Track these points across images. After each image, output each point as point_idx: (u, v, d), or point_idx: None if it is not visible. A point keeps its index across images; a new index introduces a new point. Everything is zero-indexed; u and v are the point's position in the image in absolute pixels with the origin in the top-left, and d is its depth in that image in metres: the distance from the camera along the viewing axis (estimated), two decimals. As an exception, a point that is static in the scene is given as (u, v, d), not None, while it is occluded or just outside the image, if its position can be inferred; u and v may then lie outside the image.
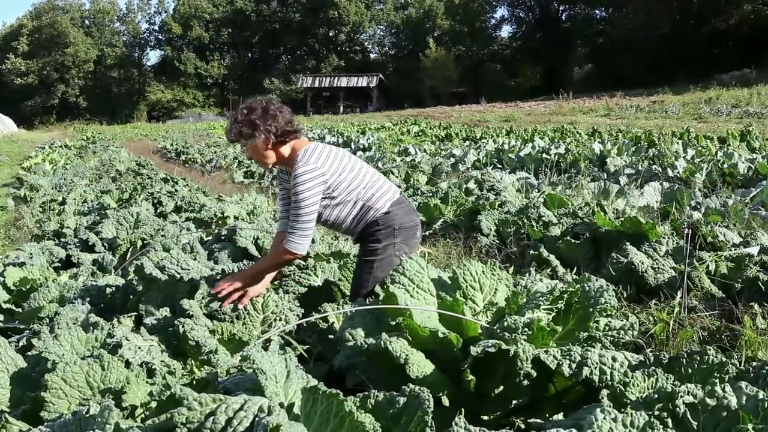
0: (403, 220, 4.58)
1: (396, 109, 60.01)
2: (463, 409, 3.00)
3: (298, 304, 4.34)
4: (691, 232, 5.53)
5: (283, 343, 3.80)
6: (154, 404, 2.80)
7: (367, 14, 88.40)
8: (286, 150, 4.49)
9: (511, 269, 6.12)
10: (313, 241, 7.08)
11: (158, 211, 9.79)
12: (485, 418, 3.33)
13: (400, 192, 4.81)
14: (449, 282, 3.78)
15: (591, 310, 3.42)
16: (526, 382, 3.14)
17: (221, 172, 19.21)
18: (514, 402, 3.31)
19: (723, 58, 52.89)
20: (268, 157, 4.50)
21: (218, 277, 4.58)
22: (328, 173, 4.40)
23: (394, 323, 3.48)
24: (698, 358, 2.91)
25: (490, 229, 7.93)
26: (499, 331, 3.27)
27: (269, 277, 4.55)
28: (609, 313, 3.51)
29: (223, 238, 7.22)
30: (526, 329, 3.21)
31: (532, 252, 6.83)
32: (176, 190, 12.67)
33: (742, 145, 17.88)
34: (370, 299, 4.14)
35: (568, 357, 3.07)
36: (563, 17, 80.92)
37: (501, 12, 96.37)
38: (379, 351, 3.21)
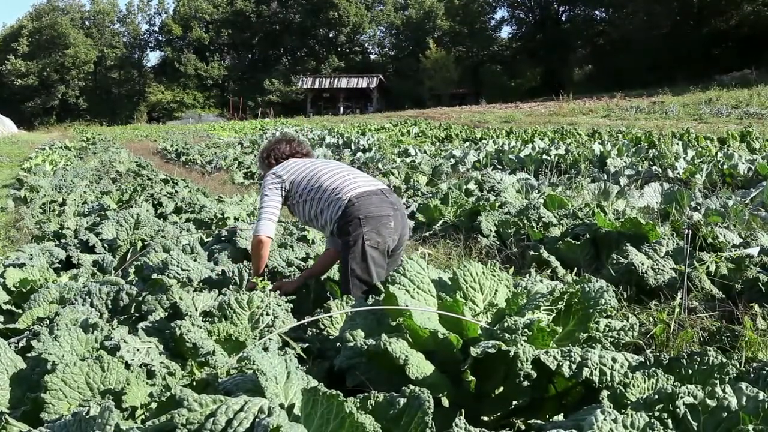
0: (370, 210, 4.79)
1: (396, 110, 59.98)
2: (463, 410, 3.00)
3: (288, 301, 4.34)
4: (691, 232, 5.53)
5: (281, 343, 3.80)
6: (154, 405, 2.80)
7: (367, 15, 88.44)
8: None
9: (512, 270, 6.10)
10: (313, 242, 7.13)
11: (158, 212, 9.79)
12: (485, 418, 3.33)
13: (383, 188, 5.01)
14: (449, 283, 3.78)
15: (591, 311, 3.42)
16: (526, 383, 3.14)
17: (221, 173, 19.21)
18: (514, 403, 3.31)
19: (723, 59, 52.90)
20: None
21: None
22: (284, 176, 5.10)
23: (394, 324, 3.48)
24: (698, 359, 2.91)
25: (491, 230, 7.93)
26: (499, 331, 3.27)
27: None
28: (609, 313, 3.51)
29: (223, 239, 7.23)
30: (526, 330, 3.21)
31: (532, 253, 6.83)
32: (176, 191, 12.67)
33: (742, 145, 17.86)
34: (373, 296, 4.17)
35: (568, 358, 3.07)
36: (563, 18, 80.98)
37: (501, 13, 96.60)
38: (379, 352, 3.20)
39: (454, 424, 2.52)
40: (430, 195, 11.18)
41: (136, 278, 5.46)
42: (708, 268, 5.68)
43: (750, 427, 2.35)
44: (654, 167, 14.07)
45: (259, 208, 5.08)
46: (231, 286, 4.83)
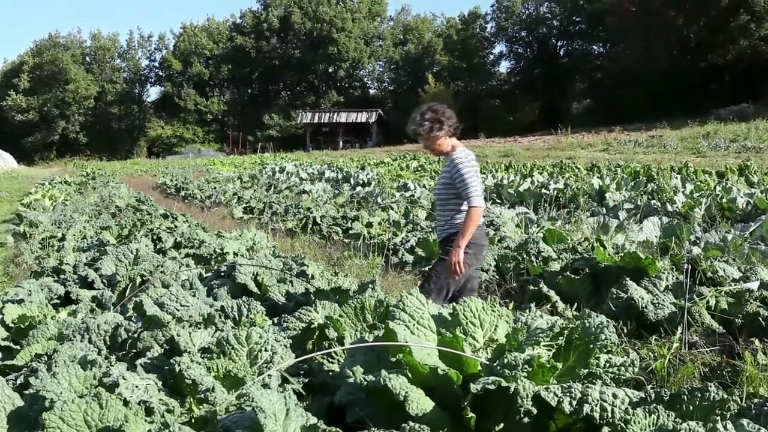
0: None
1: (395, 144, 60.00)
2: (463, 447, 2.98)
3: (290, 338, 4.33)
4: (690, 267, 5.53)
5: (281, 379, 3.78)
6: (152, 443, 2.78)
7: (367, 50, 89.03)
8: (450, 143, 6.10)
9: (511, 305, 6.12)
10: (312, 277, 7.11)
11: (158, 247, 9.78)
12: (486, 455, 3.30)
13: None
14: (449, 318, 3.77)
15: (591, 346, 3.41)
16: (526, 420, 3.12)
17: (221, 208, 19.21)
18: (514, 439, 3.29)
19: (720, 93, 53.20)
20: (443, 145, 6.08)
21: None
22: (469, 164, 5.92)
23: (394, 360, 3.47)
24: (699, 394, 2.89)
25: (490, 265, 7.93)
26: (499, 367, 3.26)
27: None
28: (609, 349, 3.50)
29: (222, 274, 7.21)
30: (526, 366, 3.20)
31: (531, 287, 6.82)
32: (176, 226, 12.66)
33: (740, 179, 17.92)
34: (374, 333, 4.15)
35: (568, 394, 3.05)
36: (561, 53, 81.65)
37: (499, 48, 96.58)
38: (378, 388, 3.19)
39: (454, 462, 2.50)
40: (430, 230, 11.18)
41: (135, 314, 5.44)
42: (708, 302, 5.68)
43: (752, 464, 2.34)
44: (653, 201, 14.11)
45: (469, 186, 5.81)
46: (229, 322, 4.81)
